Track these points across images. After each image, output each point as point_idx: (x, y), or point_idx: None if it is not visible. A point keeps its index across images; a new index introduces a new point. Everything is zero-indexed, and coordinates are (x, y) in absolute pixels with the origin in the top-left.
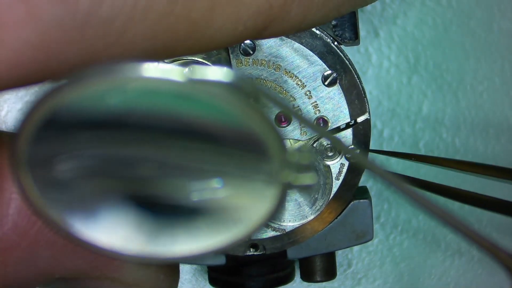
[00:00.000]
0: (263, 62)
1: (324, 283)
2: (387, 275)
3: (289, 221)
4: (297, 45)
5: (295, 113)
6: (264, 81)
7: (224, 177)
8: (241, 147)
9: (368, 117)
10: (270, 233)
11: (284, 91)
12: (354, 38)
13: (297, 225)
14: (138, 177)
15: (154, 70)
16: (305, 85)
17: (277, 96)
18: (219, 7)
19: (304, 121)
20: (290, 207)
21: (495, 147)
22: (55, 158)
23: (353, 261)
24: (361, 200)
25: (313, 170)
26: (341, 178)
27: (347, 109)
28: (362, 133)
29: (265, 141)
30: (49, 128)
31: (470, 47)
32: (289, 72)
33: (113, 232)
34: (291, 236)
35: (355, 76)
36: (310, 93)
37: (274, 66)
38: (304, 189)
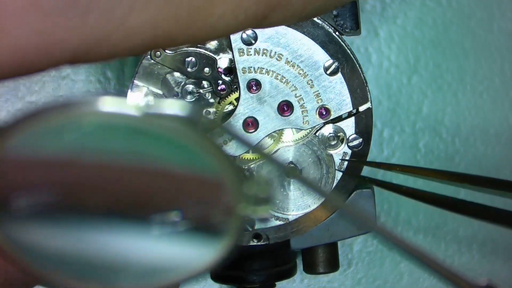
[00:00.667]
0: (264, 51)
1: (324, 283)
2: (387, 275)
3: (292, 211)
4: (298, 34)
5: (257, 149)
6: (266, 70)
7: (183, 210)
8: (199, 181)
9: (370, 106)
10: (273, 223)
11: (286, 81)
12: (355, 28)
13: (300, 214)
14: (95, 212)
15: (109, 104)
16: (307, 75)
17: (235, 131)
18: None
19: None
20: (293, 196)
21: (495, 147)
22: (12, 195)
23: (353, 261)
24: (364, 190)
25: (271, 201)
26: (344, 167)
27: (349, 98)
28: (364, 122)
29: (221, 174)
30: (5, 165)
31: (470, 47)
32: (291, 61)
33: (63, 265)
34: (294, 225)
35: (357, 65)
36: (312, 82)
37: (276, 56)
38: (262, 221)
